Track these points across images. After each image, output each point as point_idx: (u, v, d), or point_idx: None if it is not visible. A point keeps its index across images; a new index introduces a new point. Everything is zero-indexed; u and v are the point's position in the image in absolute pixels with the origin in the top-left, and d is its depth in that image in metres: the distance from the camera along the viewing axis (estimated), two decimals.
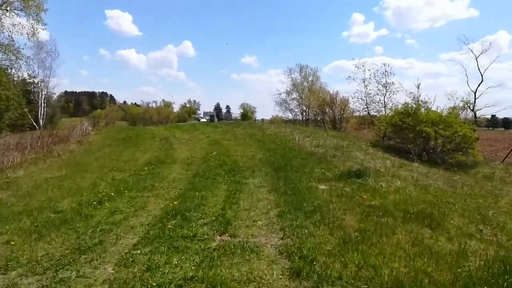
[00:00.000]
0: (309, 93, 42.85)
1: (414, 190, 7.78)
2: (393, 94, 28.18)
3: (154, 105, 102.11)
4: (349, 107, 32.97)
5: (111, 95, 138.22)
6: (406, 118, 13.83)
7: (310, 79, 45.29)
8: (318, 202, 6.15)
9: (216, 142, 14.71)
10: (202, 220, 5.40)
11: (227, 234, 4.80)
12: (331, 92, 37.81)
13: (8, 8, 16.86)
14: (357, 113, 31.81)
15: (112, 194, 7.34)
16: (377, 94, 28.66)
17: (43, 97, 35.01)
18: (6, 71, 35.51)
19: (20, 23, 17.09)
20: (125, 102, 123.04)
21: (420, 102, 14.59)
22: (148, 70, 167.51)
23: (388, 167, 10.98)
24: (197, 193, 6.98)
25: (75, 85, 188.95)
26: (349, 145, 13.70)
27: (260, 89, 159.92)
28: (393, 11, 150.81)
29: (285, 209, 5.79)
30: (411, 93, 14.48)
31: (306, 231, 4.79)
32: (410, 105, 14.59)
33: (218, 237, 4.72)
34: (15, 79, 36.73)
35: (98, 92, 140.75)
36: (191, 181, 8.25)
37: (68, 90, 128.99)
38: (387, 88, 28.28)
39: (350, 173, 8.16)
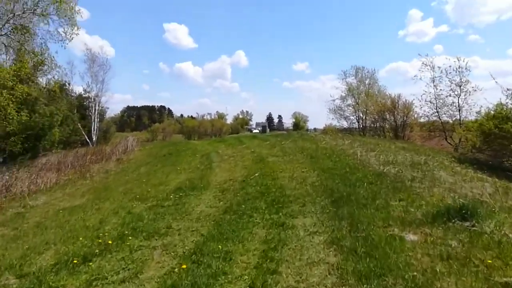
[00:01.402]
0: (366, 98, 39.11)
1: None
2: (469, 94, 24.04)
3: (208, 117, 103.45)
4: (415, 111, 28.93)
5: (169, 109, 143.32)
6: (505, 124, 10.55)
7: (367, 82, 41.37)
8: (411, 274, 3.65)
9: (261, 160, 12.52)
10: None
11: None
12: (392, 95, 33.78)
13: (44, 13, 16.00)
14: (424, 119, 27.80)
15: (110, 242, 5.40)
16: (450, 95, 24.61)
17: (96, 112, 35.30)
18: (63, 85, 36.68)
19: (56, 29, 16.16)
20: (182, 115, 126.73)
21: None
22: (204, 82, 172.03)
23: (490, 194, 7.96)
24: (220, 246, 4.77)
25: (137, 99, 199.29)
26: (427, 161, 10.74)
27: (313, 96, 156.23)
28: (454, 5, 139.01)
29: None
30: (508, 89, 11.09)
31: None
32: (508, 107, 11.22)
33: None
34: (73, 94, 37.91)
35: (157, 106, 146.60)
36: (219, 221, 6.08)
37: (131, 105, 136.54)
38: (461, 87, 24.21)
39: (450, 210, 5.44)
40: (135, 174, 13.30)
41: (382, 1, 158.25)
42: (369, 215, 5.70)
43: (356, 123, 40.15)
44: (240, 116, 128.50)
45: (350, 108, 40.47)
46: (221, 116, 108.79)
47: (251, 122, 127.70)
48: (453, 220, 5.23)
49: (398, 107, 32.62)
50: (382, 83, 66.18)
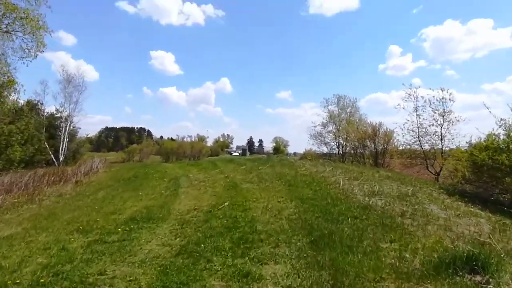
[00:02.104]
0: (347, 125, 38.93)
1: None
2: (452, 124, 23.83)
3: (188, 139, 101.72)
4: (397, 140, 28.50)
5: (148, 130, 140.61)
6: (499, 155, 9.72)
7: (348, 110, 41.58)
8: None
9: (233, 186, 11.28)
10: None
11: None
12: (374, 123, 33.48)
13: (9, 30, 14.83)
14: (405, 147, 27.36)
15: None
16: (432, 124, 24.31)
17: (65, 132, 33.48)
18: (35, 105, 34.80)
19: (20, 45, 14.92)
20: (161, 137, 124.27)
21: None
22: (187, 106, 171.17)
23: (487, 232, 6.95)
24: None
25: (118, 121, 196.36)
26: (415, 193, 9.77)
27: (294, 123, 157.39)
28: (432, 42, 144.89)
29: None
30: (501, 120, 10.34)
31: None
32: (502, 137, 10.43)
33: None
34: (44, 114, 36.10)
35: (137, 127, 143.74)
36: (168, 267, 4.76)
37: (109, 126, 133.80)
38: (445, 117, 23.98)
39: (456, 260, 4.35)
40: (90, 199, 11.77)
41: (363, 37, 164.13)
42: (356, 262, 4.53)
43: (336, 149, 39.81)
44: (221, 139, 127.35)
45: (331, 134, 40.31)
46: (201, 139, 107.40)
47: (231, 145, 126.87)
48: (460, 273, 4.13)
49: (379, 134, 32.26)
50: (363, 111, 66.53)
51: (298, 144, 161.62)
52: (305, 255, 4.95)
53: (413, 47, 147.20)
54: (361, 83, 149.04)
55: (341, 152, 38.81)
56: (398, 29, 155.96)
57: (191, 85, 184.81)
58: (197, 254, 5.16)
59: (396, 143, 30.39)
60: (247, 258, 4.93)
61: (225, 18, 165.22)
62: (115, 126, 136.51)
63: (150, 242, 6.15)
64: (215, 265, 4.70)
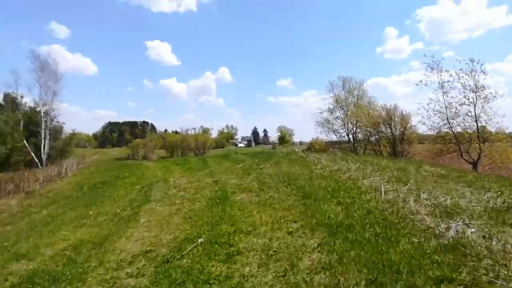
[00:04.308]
0: (356, 109, 34.99)
1: None
2: (487, 102, 19.88)
3: (193, 131, 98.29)
4: (422, 122, 24.50)
5: (152, 124, 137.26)
6: None
7: (355, 93, 37.42)
8: None
9: (222, 198, 7.71)
10: None
11: None
12: (388, 106, 29.50)
13: None
14: (433, 131, 23.43)
15: None
16: (464, 103, 20.31)
17: (46, 128, 29.75)
18: (14, 98, 31.41)
19: None
20: (166, 130, 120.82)
21: None
22: (188, 98, 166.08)
23: None
24: None
25: (123, 116, 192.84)
26: (508, 205, 6.14)
27: (296, 111, 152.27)
28: (426, 23, 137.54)
29: None
30: None
31: None
32: None
33: None
34: (25, 108, 32.51)
35: (140, 121, 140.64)
36: None
37: (113, 121, 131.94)
38: (478, 93, 19.98)
39: None
40: (22, 222, 8.28)
41: (357, 19, 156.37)
42: None
43: (346, 136, 36.01)
44: (225, 130, 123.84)
45: (339, 120, 36.34)
46: (205, 131, 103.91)
47: (236, 136, 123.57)
48: None
49: (394, 118, 28.44)
50: (372, 94, 61.43)
51: (304, 132, 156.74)
52: None
53: (409, 28, 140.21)
54: (361, 68, 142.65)
55: (352, 140, 35.08)
56: (392, 9, 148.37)
57: (190, 76, 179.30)
58: None
59: (415, 128, 26.84)
60: None
61: (217, 3, 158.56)
62: (119, 121, 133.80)
63: None
64: None
